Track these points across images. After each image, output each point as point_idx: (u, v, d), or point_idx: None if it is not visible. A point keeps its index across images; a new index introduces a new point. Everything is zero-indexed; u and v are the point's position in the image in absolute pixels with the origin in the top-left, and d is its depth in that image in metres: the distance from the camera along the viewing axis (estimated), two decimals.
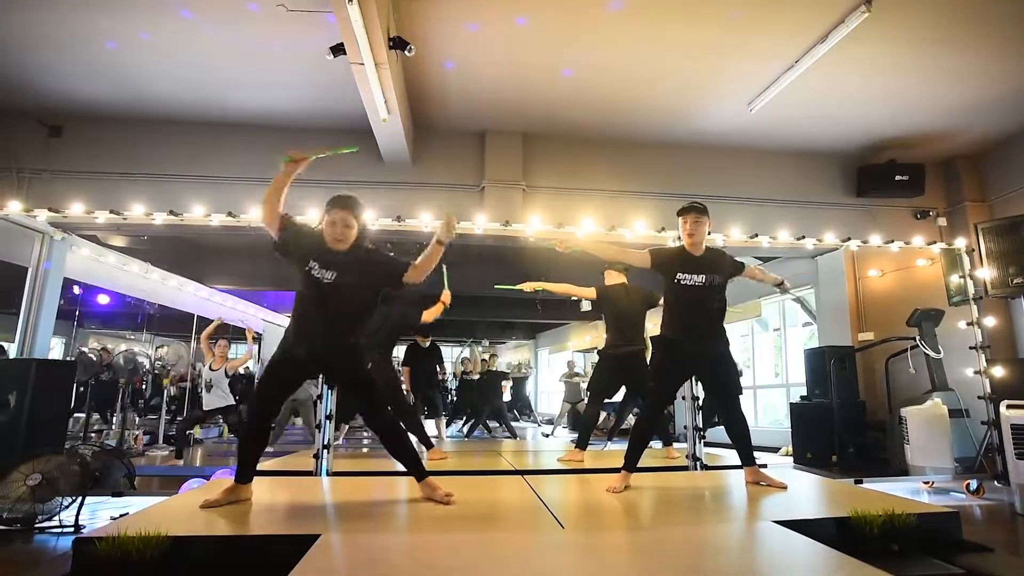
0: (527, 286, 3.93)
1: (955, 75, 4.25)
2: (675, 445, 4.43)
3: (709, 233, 3.05)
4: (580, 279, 4.24)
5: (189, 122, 4.97)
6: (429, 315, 4.12)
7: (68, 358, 8.92)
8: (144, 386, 10.62)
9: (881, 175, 5.29)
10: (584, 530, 2.19)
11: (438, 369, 7.05)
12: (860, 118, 4.94)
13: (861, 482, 3.94)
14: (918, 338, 4.88)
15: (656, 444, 4.30)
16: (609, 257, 3.32)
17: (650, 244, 3.37)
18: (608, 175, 5.20)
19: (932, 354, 4.83)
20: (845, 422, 4.97)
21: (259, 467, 3.55)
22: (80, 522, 2.93)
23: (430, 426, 6.95)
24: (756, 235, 4.24)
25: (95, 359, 6.96)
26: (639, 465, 2.97)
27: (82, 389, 7.13)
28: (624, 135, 5.29)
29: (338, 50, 3.31)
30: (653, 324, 3.36)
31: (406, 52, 3.41)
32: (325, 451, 3.42)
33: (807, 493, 2.88)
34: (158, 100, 4.69)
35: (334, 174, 4.92)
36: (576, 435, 4.44)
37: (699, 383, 3.81)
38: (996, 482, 4.18)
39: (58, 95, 4.58)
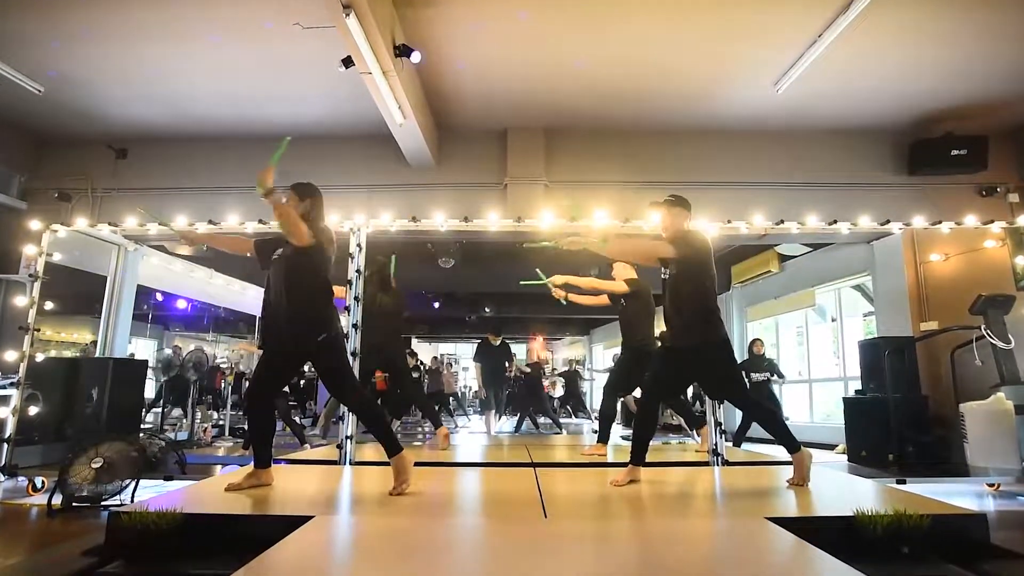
0: (556, 279, 3.90)
1: (1011, 36, 3.82)
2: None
3: (730, 222, 2.95)
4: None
5: (226, 138, 5.40)
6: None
7: (154, 357, 9.94)
8: (222, 384, 11.64)
9: (935, 150, 4.82)
10: (565, 520, 2.22)
11: (507, 366, 7.20)
12: (905, 90, 4.55)
13: (904, 482, 3.66)
14: (984, 327, 4.45)
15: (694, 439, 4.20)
16: (642, 255, 2.94)
17: None
18: (630, 166, 5.11)
19: (1000, 344, 4.39)
20: (904, 418, 4.60)
21: (290, 456, 3.87)
22: (136, 501, 3.29)
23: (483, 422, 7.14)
24: (782, 221, 4.01)
25: (175, 359, 7.66)
26: (661, 460, 2.93)
27: (153, 383, 7.86)
28: (645, 124, 5.18)
29: (348, 62, 3.48)
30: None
31: (411, 59, 3.53)
32: (348, 441, 3.63)
33: (825, 491, 2.72)
34: (200, 119, 5.13)
35: (359, 179, 5.18)
36: (629, 431, 4.40)
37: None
38: None
39: (123, 121, 5.12)
